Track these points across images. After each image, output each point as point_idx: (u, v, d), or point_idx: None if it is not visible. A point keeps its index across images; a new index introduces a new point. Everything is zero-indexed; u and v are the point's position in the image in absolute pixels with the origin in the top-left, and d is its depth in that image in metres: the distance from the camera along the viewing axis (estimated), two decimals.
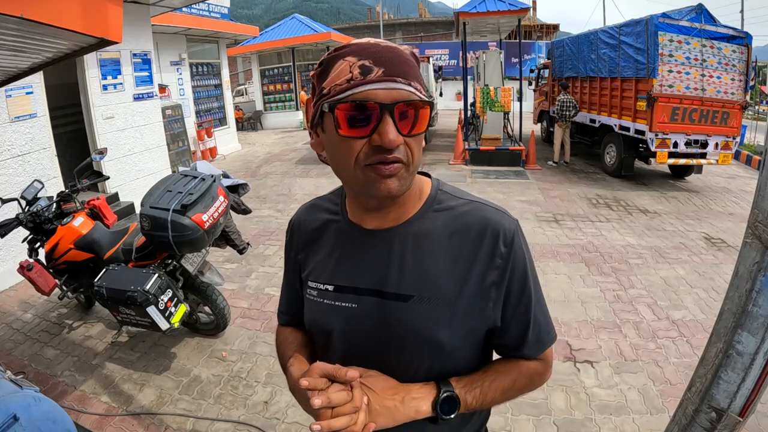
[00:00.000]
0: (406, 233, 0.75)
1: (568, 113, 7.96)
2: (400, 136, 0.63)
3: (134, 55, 6.21)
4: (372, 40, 0.67)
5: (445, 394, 0.72)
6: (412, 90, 0.64)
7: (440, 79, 14.47)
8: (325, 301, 0.78)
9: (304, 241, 0.85)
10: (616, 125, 7.23)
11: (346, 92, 0.63)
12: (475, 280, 0.72)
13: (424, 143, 0.73)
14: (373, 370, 0.73)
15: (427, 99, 0.66)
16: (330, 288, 0.78)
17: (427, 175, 0.82)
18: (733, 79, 6.29)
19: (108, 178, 3.80)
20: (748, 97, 6.68)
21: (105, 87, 5.80)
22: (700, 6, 6.33)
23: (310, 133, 0.76)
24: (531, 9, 19.49)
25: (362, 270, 0.76)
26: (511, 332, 0.77)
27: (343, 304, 0.76)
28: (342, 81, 0.63)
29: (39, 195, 3.00)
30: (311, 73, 0.73)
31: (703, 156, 6.58)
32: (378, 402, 0.69)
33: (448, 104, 17.42)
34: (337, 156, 0.69)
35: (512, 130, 9.29)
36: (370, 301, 0.75)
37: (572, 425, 2.25)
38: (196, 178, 2.56)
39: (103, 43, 1.84)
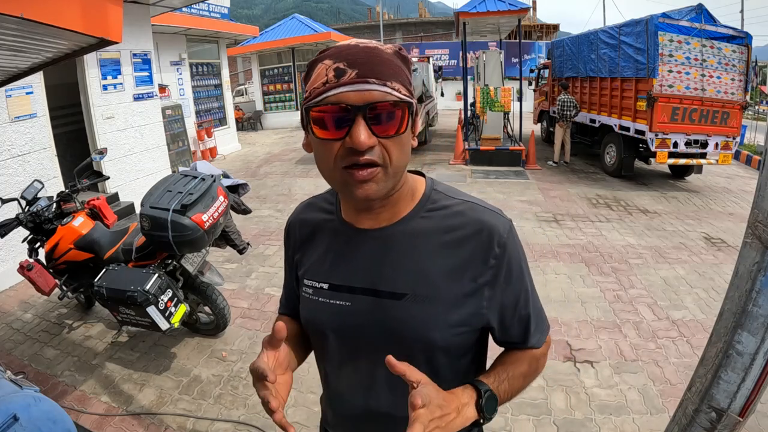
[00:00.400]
0: (399, 232, 0.75)
1: (569, 113, 7.96)
2: (373, 137, 0.63)
3: (134, 55, 6.20)
4: (354, 41, 0.67)
5: (487, 393, 0.72)
6: (387, 90, 0.63)
7: (440, 79, 14.46)
8: (320, 299, 0.79)
9: (300, 241, 0.86)
10: (616, 125, 7.23)
11: (321, 95, 0.63)
12: (468, 279, 0.73)
13: (415, 143, 0.72)
14: (423, 376, 0.64)
15: (405, 99, 0.65)
16: (325, 286, 0.79)
17: (422, 174, 0.82)
18: (733, 79, 6.29)
19: (108, 178, 3.81)
20: (748, 97, 6.67)
21: (105, 87, 5.80)
22: (700, 6, 6.33)
23: None
24: (531, 9, 19.49)
25: (356, 269, 0.76)
26: (515, 329, 0.78)
27: (338, 303, 0.77)
28: (319, 84, 0.64)
29: (39, 195, 3.00)
30: (303, 75, 0.73)
31: (703, 156, 6.57)
32: (446, 421, 0.64)
33: (448, 104, 17.41)
34: (318, 157, 0.69)
35: (512, 130, 9.29)
36: (364, 299, 0.75)
37: (572, 425, 2.25)
38: (196, 178, 2.56)
39: (103, 43, 1.84)
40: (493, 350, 0.85)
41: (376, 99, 0.62)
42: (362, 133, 0.61)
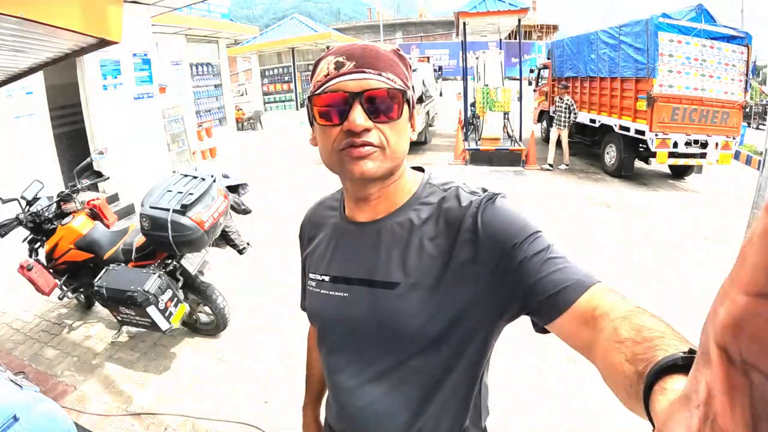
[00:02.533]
0: (392, 223, 0.77)
1: (574, 116, 7.91)
2: (369, 121, 0.67)
3: (134, 55, 6.21)
4: (357, 42, 0.73)
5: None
6: (383, 79, 0.68)
7: (440, 79, 14.47)
8: (322, 291, 0.82)
9: (308, 239, 0.91)
10: (616, 125, 7.23)
11: (323, 86, 0.69)
12: (453, 262, 0.70)
13: (413, 136, 0.76)
14: None
15: (399, 87, 0.69)
16: (326, 279, 0.82)
17: (422, 170, 0.84)
18: (733, 79, 6.30)
19: (108, 178, 3.80)
20: (747, 97, 6.68)
21: (105, 87, 5.80)
22: (700, 6, 6.34)
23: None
24: (531, 9, 19.49)
25: (353, 260, 0.79)
26: (540, 290, 0.65)
27: (337, 294, 0.79)
28: (321, 77, 0.70)
29: (39, 195, 3.00)
30: (309, 76, 0.79)
31: (703, 156, 6.58)
32: None
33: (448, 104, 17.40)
34: (320, 145, 0.74)
35: (512, 130, 9.29)
36: (360, 290, 0.77)
37: (572, 425, 2.25)
38: (196, 178, 2.56)
39: (103, 43, 1.85)
40: (495, 351, 0.84)
41: (372, 86, 0.68)
42: (359, 117, 0.66)
